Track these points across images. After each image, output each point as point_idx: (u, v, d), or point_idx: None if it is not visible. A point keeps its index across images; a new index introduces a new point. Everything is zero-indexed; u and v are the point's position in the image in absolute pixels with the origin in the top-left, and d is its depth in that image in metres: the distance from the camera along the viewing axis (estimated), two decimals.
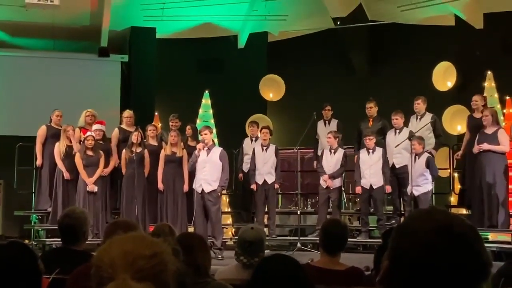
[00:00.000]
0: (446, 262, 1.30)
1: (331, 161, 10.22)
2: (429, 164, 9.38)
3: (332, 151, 10.24)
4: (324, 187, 10.21)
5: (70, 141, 10.14)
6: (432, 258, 1.30)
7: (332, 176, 10.15)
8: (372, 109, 10.58)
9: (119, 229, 3.35)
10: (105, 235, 3.71)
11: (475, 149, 9.22)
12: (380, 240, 9.57)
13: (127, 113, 10.82)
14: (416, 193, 9.31)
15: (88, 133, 9.98)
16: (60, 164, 10.01)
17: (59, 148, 10.03)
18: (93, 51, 13.29)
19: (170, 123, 10.64)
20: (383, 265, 1.38)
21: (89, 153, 9.88)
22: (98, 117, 10.72)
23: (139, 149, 9.91)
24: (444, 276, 1.30)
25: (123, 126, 10.75)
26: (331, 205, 10.32)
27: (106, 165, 10.13)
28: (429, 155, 9.57)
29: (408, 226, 1.38)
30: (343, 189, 11.35)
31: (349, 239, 4.87)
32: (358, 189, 10.15)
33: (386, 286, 1.36)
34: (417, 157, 9.35)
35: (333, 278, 3.99)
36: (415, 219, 1.39)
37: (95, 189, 9.81)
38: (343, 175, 10.54)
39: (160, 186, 10.05)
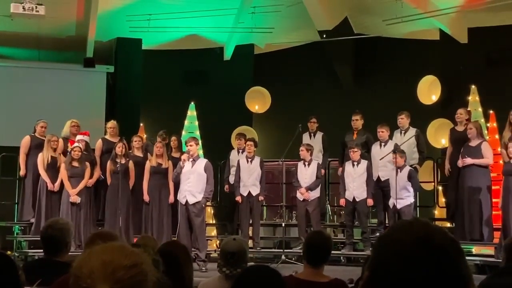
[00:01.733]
0: (425, 274, 1.30)
1: (306, 173, 10.23)
2: (411, 177, 9.43)
3: (306, 163, 10.25)
4: (301, 199, 10.23)
5: (54, 151, 10.07)
6: (411, 270, 1.30)
7: (309, 188, 10.16)
8: (357, 121, 10.62)
9: (99, 240, 3.33)
10: (85, 246, 3.68)
11: (459, 163, 9.27)
12: (364, 253, 9.61)
13: (111, 123, 10.78)
14: (398, 206, 9.35)
15: (75, 144, 9.92)
16: (43, 175, 9.94)
17: (42, 158, 9.96)
18: (79, 61, 13.24)
19: (158, 139, 10.52)
20: (364, 275, 1.38)
21: (74, 164, 9.83)
22: (82, 127, 10.67)
23: (123, 161, 9.87)
24: (422, 287, 1.30)
25: (107, 137, 10.71)
26: (310, 218, 10.30)
27: (91, 176, 10.07)
28: (411, 168, 9.61)
29: (388, 237, 1.38)
30: (327, 201, 11.39)
31: (333, 252, 4.87)
32: (342, 202, 10.19)
33: None
34: (399, 170, 9.40)
35: None
36: (396, 230, 1.39)
37: (78, 200, 9.74)
38: (324, 187, 10.54)
39: (146, 197, 10.01)
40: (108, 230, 4.64)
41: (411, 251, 1.32)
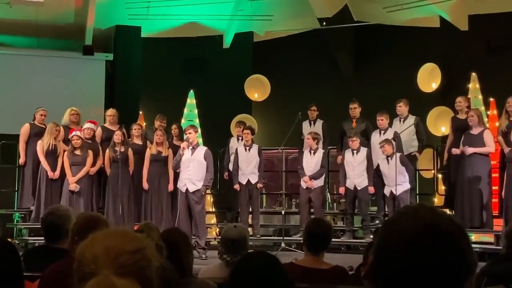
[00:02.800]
0: (430, 259, 1.29)
1: (311, 162, 10.23)
2: (403, 162, 9.46)
3: (312, 151, 10.25)
4: (304, 187, 10.23)
5: (55, 139, 10.04)
6: (416, 256, 1.30)
7: (313, 177, 10.16)
8: (355, 109, 10.61)
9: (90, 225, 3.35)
10: (75, 229, 3.67)
11: (460, 151, 9.26)
12: (364, 241, 9.63)
13: (110, 111, 10.78)
14: (396, 193, 9.38)
15: (74, 132, 9.91)
16: (43, 162, 9.93)
17: (42, 145, 9.95)
18: (78, 49, 13.18)
19: (158, 123, 10.54)
20: (369, 260, 1.37)
21: (76, 152, 9.83)
22: (82, 115, 10.66)
23: (122, 149, 9.86)
24: (427, 274, 1.29)
25: (106, 125, 10.70)
26: (313, 205, 10.32)
27: (94, 164, 10.06)
28: (401, 154, 9.63)
29: (394, 222, 1.38)
30: (327, 189, 11.40)
31: (333, 239, 4.87)
32: (341, 190, 10.21)
33: (370, 281, 1.36)
34: (389, 158, 9.44)
35: (317, 277, 3.99)
36: (402, 216, 1.38)
37: (77, 188, 9.74)
38: (325, 175, 10.55)
39: (145, 185, 10.02)
40: (96, 214, 4.62)
41: (416, 237, 1.31)
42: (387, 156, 9.51)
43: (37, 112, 10.40)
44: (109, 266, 1.48)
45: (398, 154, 9.50)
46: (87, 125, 10.22)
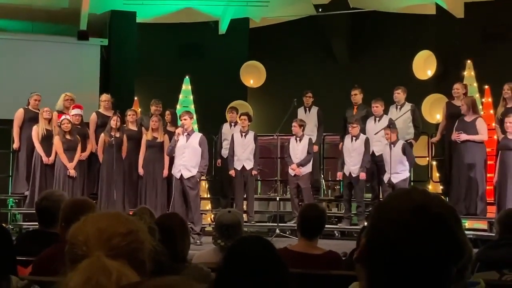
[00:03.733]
0: (422, 241, 1.30)
1: (297, 149, 10.23)
2: (406, 151, 9.46)
3: (298, 139, 10.25)
4: (292, 175, 10.24)
5: (49, 124, 10.03)
6: (408, 237, 1.30)
7: (300, 164, 10.17)
8: (356, 96, 10.60)
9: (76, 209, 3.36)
10: (62, 215, 3.68)
11: (454, 136, 9.27)
12: (358, 227, 9.65)
13: (105, 96, 10.73)
14: (394, 181, 9.39)
15: (63, 116, 9.87)
16: (38, 148, 9.91)
17: (37, 131, 9.93)
18: (72, 34, 13.11)
19: (153, 108, 10.50)
20: (361, 243, 1.37)
21: (68, 137, 9.80)
22: (76, 101, 10.62)
23: (117, 134, 9.85)
24: (419, 255, 1.29)
25: (101, 110, 10.66)
26: (301, 192, 10.32)
27: (83, 149, 10.05)
28: (405, 142, 9.63)
29: (386, 204, 1.38)
30: (322, 176, 11.41)
31: (327, 226, 4.88)
32: (339, 175, 10.25)
33: (363, 263, 1.36)
34: (392, 145, 9.43)
35: (311, 262, 4.00)
36: (394, 198, 1.39)
37: (76, 174, 9.76)
38: (319, 162, 10.56)
39: (140, 171, 10.03)
40: (84, 198, 4.62)
41: (407, 218, 1.31)
42: (390, 143, 9.47)
43: (31, 97, 10.37)
44: (101, 247, 1.48)
45: (401, 142, 9.50)
46: (73, 111, 10.16)
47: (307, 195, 10.19)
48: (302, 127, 10.20)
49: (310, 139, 10.31)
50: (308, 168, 10.28)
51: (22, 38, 13.07)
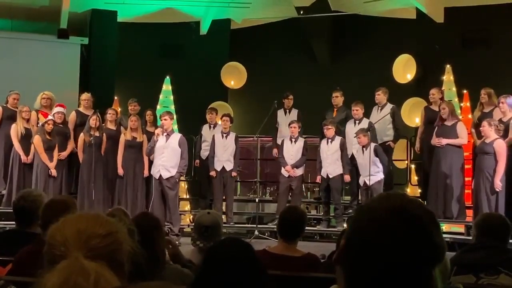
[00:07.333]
0: (399, 242, 1.32)
1: (292, 150, 10.26)
2: (378, 153, 9.53)
3: (293, 140, 10.28)
4: (286, 176, 10.25)
5: (28, 122, 9.97)
6: (384, 235, 1.32)
7: (295, 166, 10.19)
8: (337, 98, 10.64)
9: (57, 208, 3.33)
10: (41, 215, 3.66)
11: (434, 142, 9.33)
12: (337, 229, 9.69)
13: (85, 95, 10.68)
14: (370, 183, 9.44)
15: (49, 116, 9.82)
16: (17, 146, 9.85)
17: (16, 129, 9.86)
18: (52, 32, 13.02)
19: (129, 108, 10.52)
20: (341, 244, 1.39)
21: (48, 137, 9.75)
22: (56, 100, 10.55)
23: (97, 133, 9.80)
24: (395, 256, 1.31)
25: (81, 109, 10.61)
26: (291, 193, 10.35)
27: (64, 149, 9.99)
28: (376, 144, 9.68)
29: (366, 206, 1.41)
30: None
31: (306, 228, 4.89)
32: (318, 178, 10.26)
33: (341, 264, 1.37)
34: (364, 148, 9.49)
35: (289, 264, 4.01)
36: (373, 201, 1.42)
37: (55, 173, 9.72)
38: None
39: (120, 171, 9.98)
40: (65, 197, 4.60)
41: (385, 219, 1.34)
42: (363, 147, 9.54)
43: (10, 95, 10.30)
44: (79, 248, 1.47)
45: (373, 145, 9.56)
46: (56, 109, 10.10)
47: (297, 197, 10.23)
48: (300, 129, 10.15)
49: (305, 141, 10.34)
50: (301, 170, 10.31)
51: (1, 36, 12.94)
